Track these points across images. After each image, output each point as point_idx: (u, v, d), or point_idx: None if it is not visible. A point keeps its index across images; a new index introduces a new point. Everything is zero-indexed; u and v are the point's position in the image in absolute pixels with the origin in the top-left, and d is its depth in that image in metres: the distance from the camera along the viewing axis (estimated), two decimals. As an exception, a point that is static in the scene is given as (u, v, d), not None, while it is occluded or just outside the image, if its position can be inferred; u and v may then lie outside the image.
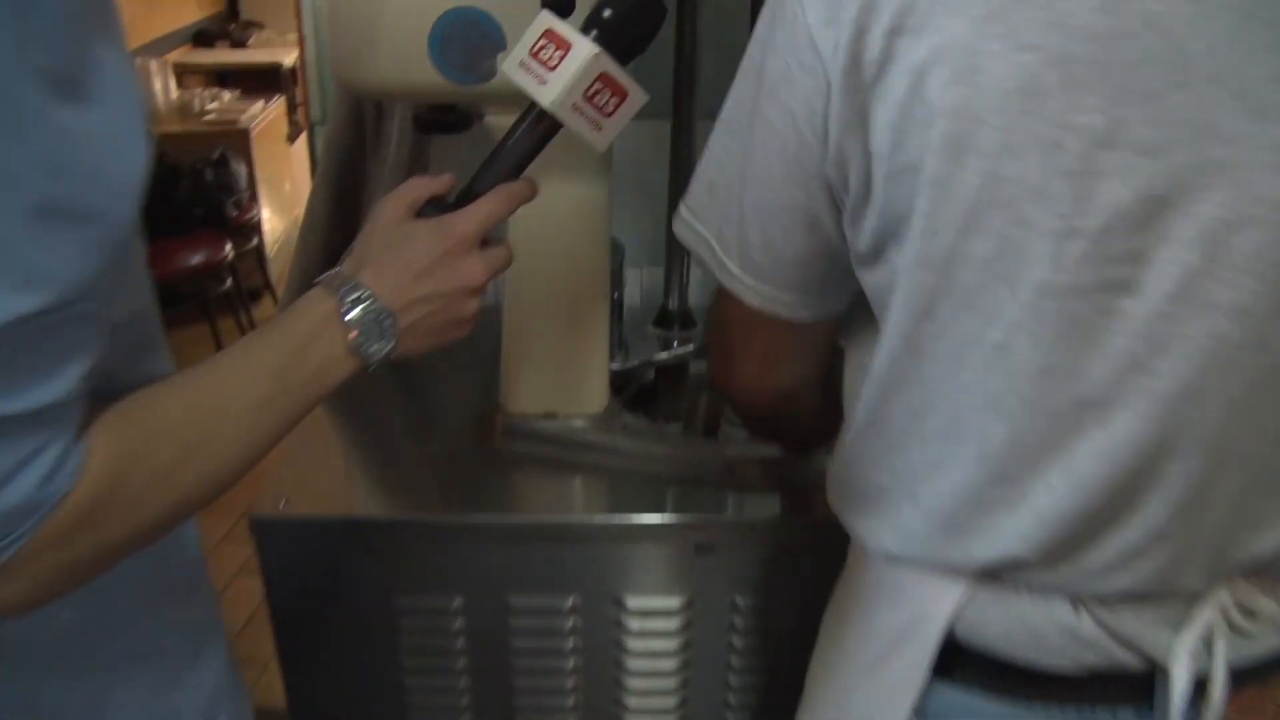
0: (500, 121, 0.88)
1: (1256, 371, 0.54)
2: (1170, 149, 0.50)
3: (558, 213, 0.92)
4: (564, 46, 0.70)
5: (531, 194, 0.74)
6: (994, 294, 0.54)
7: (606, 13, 0.71)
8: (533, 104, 0.73)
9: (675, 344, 1.15)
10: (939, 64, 0.51)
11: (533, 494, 0.96)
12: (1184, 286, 0.52)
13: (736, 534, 0.93)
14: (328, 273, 0.68)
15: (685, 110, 1.09)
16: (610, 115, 0.72)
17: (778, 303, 0.67)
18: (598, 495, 0.96)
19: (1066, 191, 0.51)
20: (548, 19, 0.72)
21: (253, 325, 3.33)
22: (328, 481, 0.98)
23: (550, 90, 0.70)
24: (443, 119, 0.93)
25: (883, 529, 0.66)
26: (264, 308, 3.54)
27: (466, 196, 0.73)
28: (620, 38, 0.71)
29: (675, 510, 0.93)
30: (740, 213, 0.65)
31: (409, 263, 0.67)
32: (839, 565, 0.78)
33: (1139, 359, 0.53)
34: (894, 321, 0.59)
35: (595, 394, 1.01)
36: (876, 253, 0.60)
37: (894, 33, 0.52)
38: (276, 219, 3.72)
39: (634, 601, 0.95)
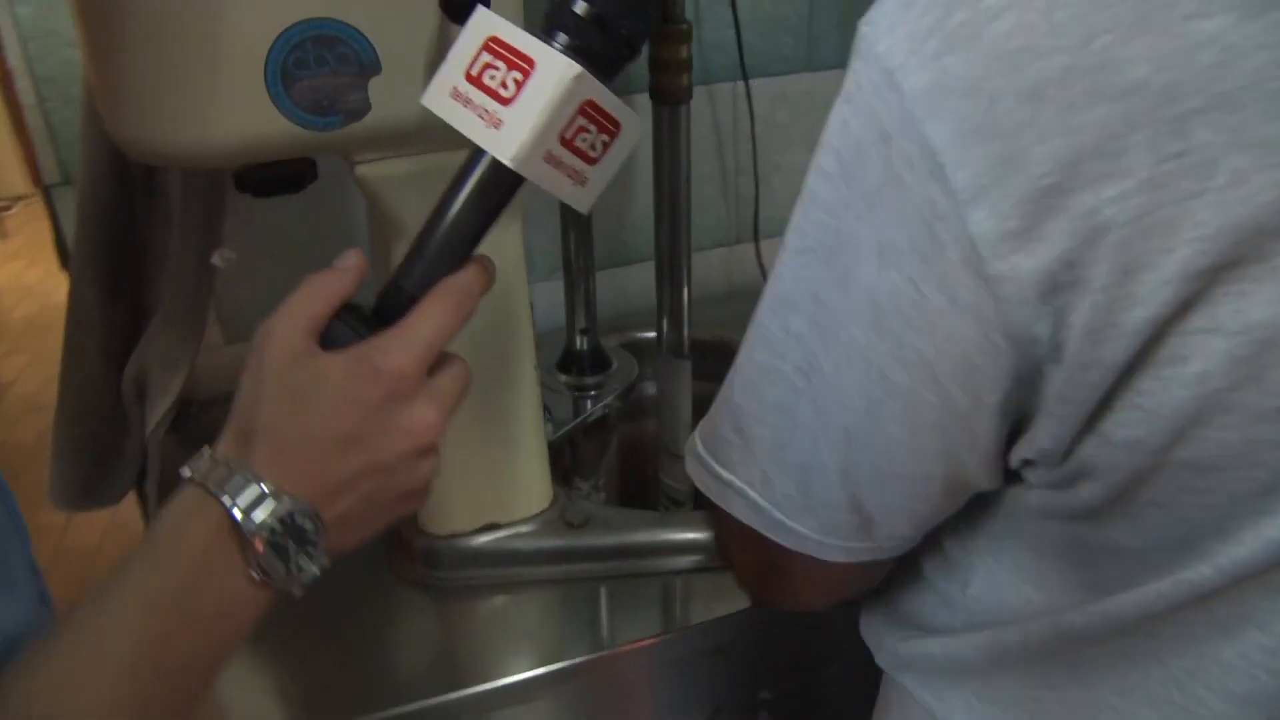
0: (376, 172, 0.64)
1: None
2: None
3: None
4: (522, 64, 0.46)
5: (488, 285, 0.51)
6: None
7: (579, 6, 0.47)
8: (477, 153, 0.49)
9: (594, 393, 0.95)
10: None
11: (500, 637, 0.74)
12: None
13: (761, 622, 0.75)
14: (199, 456, 0.45)
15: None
16: (596, 161, 0.49)
17: (864, 553, 0.47)
18: (586, 614, 0.75)
19: None
20: (490, 22, 0.48)
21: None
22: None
23: (508, 136, 0.46)
24: (278, 175, 0.67)
25: None
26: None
27: (393, 302, 0.50)
28: (604, 44, 0.47)
29: (681, 611, 0.74)
30: (808, 463, 0.44)
31: (326, 427, 0.45)
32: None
33: None
34: (1127, 593, 0.41)
35: (538, 491, 0.79)
36: (1094, 522, 0.41)
37: (1193, 275, 0.31)
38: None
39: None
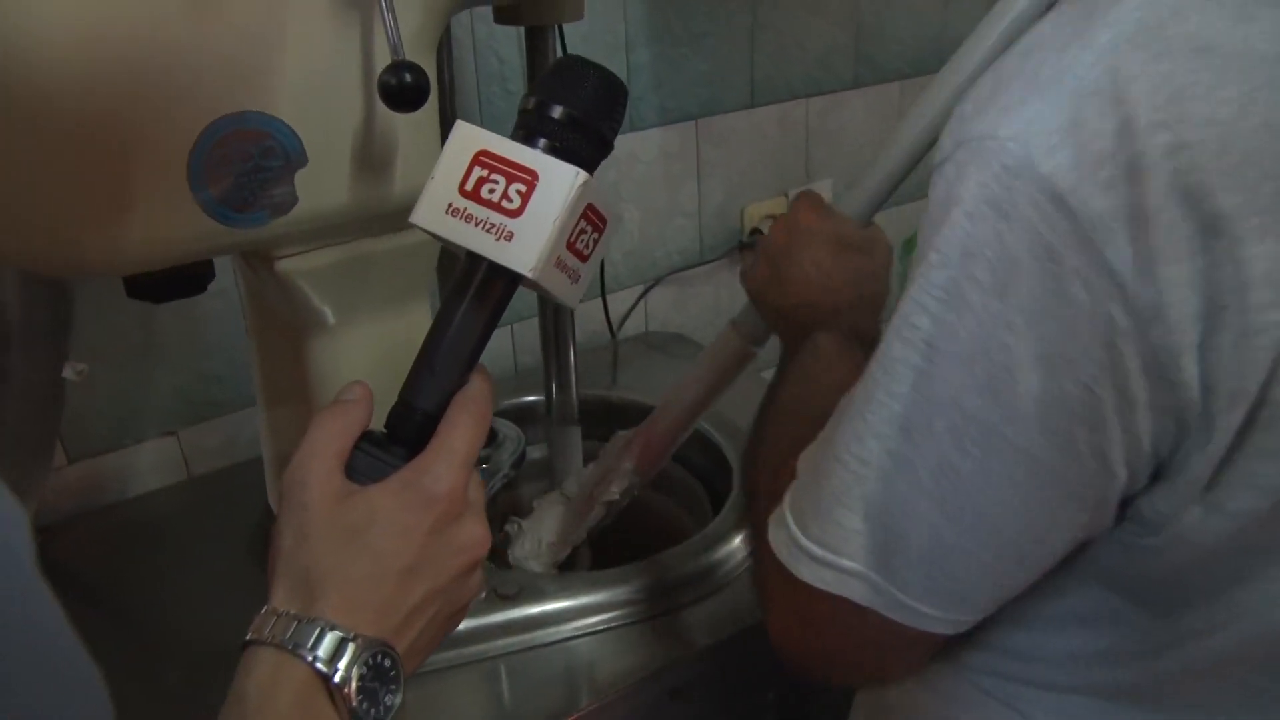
0: (299, 266, 0.62)
1: None
2: None
3: (379, 354, 0.67)
4: (523, 176, 0.47)
5: (492, 391, 0.52)
6: None
7: (557, 110, 0.48)
8: (473, 264, 0.50)
9: (484, 466, 0.94)
10: None
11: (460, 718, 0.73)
12: None
13: (712, 661, 0.78)
14: (262, 616, 0.44)
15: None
16: (588, 259, 0.50)
17: (964, 624, 0.49)
18: (538, 686, 0.75)
19: None
20: (475, 136, 0.48)
21: None
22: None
23: (525, 247, 0.47)
24: (182, 276, 0.64)
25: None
26: None
27: (410, 423, 0.50)
28: (584, 145, 0.49)
29: (633, 662, 0.76)
30: (938, 548, 0.45)
31: (389, 562, 0.45)
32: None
33: None
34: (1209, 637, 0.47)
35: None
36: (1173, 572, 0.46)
37: None
38: None
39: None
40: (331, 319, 0.64)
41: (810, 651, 0.53)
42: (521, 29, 0.78)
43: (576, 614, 0.78)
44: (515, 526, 0.89)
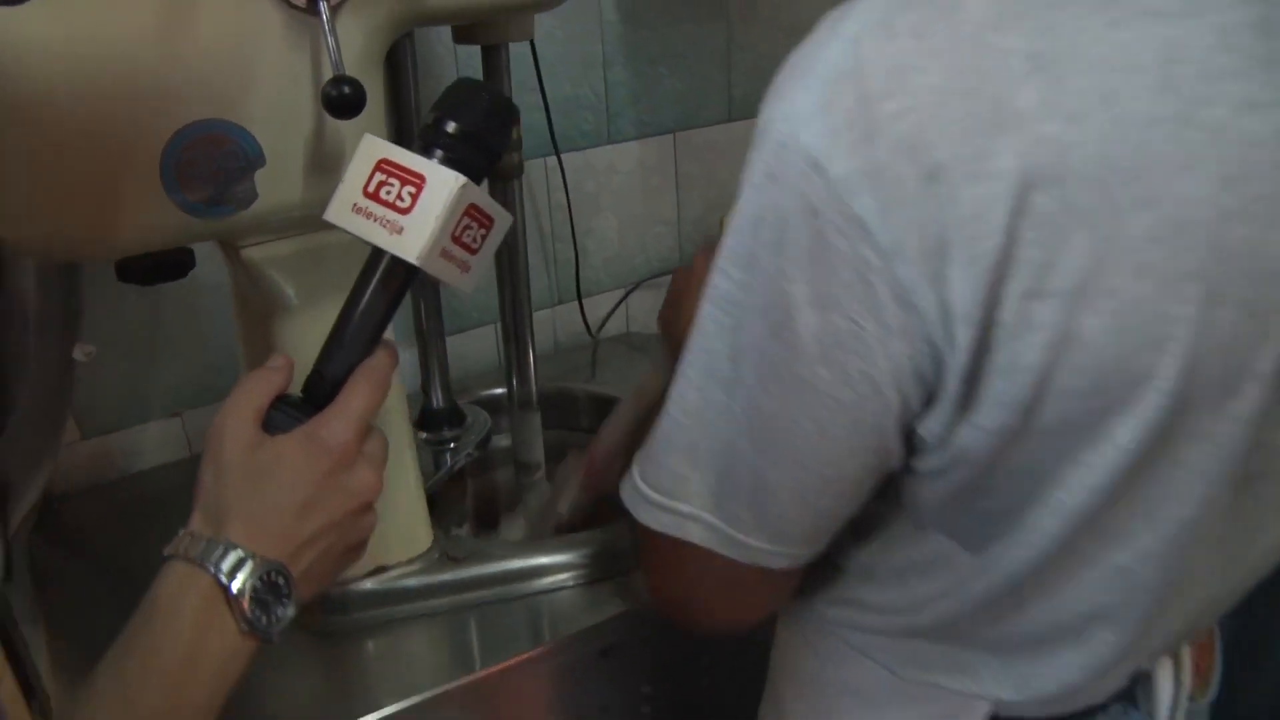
0: (261, 254, 0.71)
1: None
2: None
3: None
4: (414, 180, 0.57)
5: (395, 364, 0.62)
6: (1130, 528, 0.50)
7: (450, 126, 0.58)
8: (376, 255, 0.59)
9: (452, 445, 1.03)
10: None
11: (400, 667, 0.81)
12: (1269, 464, 0.51)
13: (638, 623, 0.85)
14: (179, 538, 0.54)
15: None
16: (477, 251, 0.60)
17: (808, 555, 0.56)
18: (482, 638, 0.83)
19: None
20: (377, 146, 0.58)
21: None
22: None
23: (412, 239, 0.56)
24: (165, 262, 0.73)
25: (930, 669, 0.62)
26: None
27: (320, 387, 0.59)
28: (474, 155, 0.58)
29: (566, 621, 0.83)
30: (759, 485, 0.51)
31: (287, 497, 0.55)
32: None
33: (1224, 538, 0.54)
34: (1004, 554, 0.53)
35: (420, 532, 0.86)
36: (965, 498, 0.52)
37: (1033, 296, 0.43)
38: None
39: (550, 740, 0.84)
40: (294, 300, 0.73)
41: (673, 599, 0.61)
42: (479, 48, 0.87)
43: (518, 576, 0.86)
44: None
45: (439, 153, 0.57)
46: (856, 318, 0.44)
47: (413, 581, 0.84)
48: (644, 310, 1.42)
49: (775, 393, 0.48)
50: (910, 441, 0.50)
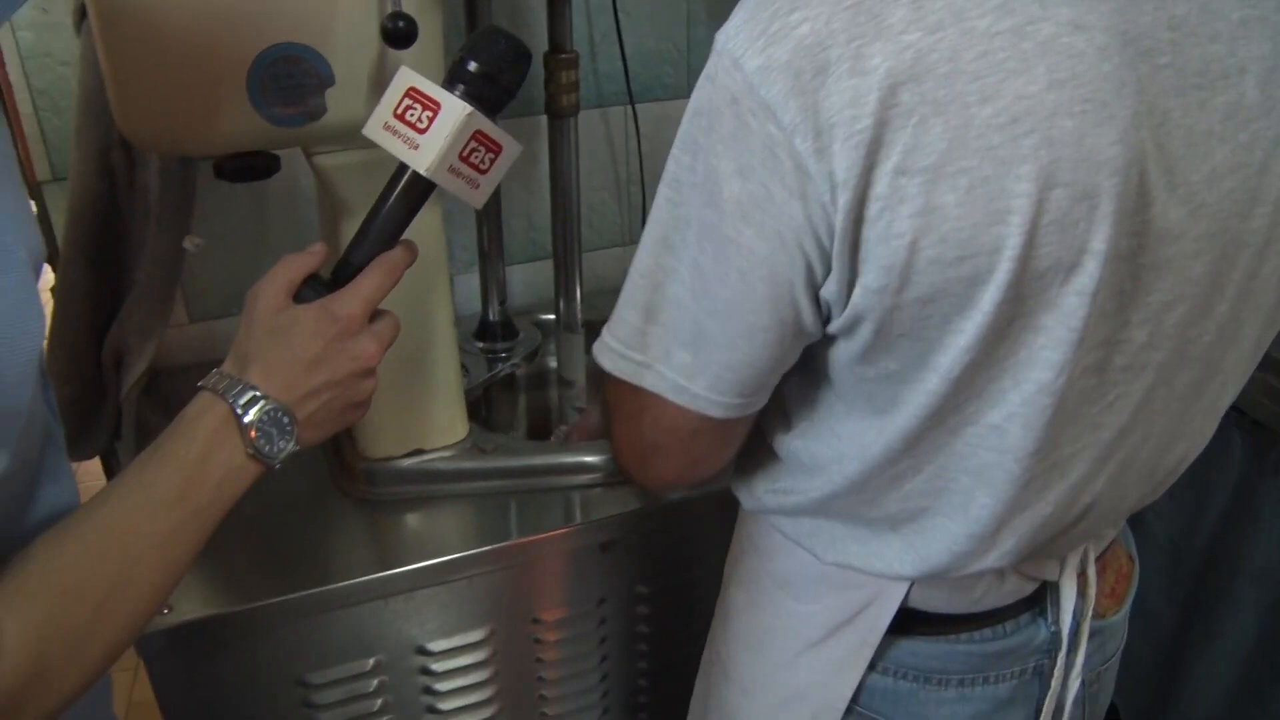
0: (330, 162, 0.83)
1: (1165, 406, 0.64)
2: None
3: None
4: (432, 106, 0.67)
5: (412, 259, 0.72)
6: (1000, 387, 0.59)
7: (472, 65, 0.68)
8: (402, 167, 0.69)
9: (504, 355, 1.14)
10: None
11: (427, 535, 0.93)
12: (1133, 358, 0.60)
13: (635, 524, 0.95)
14: (211, 375, 0.64)
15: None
16: (486, 172, 0.70)
17: (741, 408, 0.64)
18: (497, 520, 0.94)
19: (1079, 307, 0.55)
20: (409, 77, 0.68)
21: None
22: (203, 575, 0.89)
23: (424, 155, 0.67)
24: (251, 164, 0.86)
25: (845, 549, 0.70)
26: None
27: (344, 271, 0.70)
28: (489, 91, 0.68)
29: (573, 514, 0.94)
30: (699, 333, 0.61)
31: (298, 353, 0.64)
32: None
33: (1097, 420, 0.62)
34: (901, 412, 0.61)
35: (456, 424, 0.98)
36: (869, 357, 0.60)
37: (901, 173, 0.52)
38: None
39: (550, 614, 0.95)
40: (355, 205, 0.85)
41: (634, 449, 0.70)
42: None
43: (536, 471, 0.97)
44: None
45: (460, 87, 0.67)
46: (767, 183, 0.54)
47: (442, 465, 0.96)
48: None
49: (710, 251, 0.57)
50: (819, 309, 0.59)
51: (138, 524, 0.57)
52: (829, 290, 0.57)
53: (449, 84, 0.68)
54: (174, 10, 0.71)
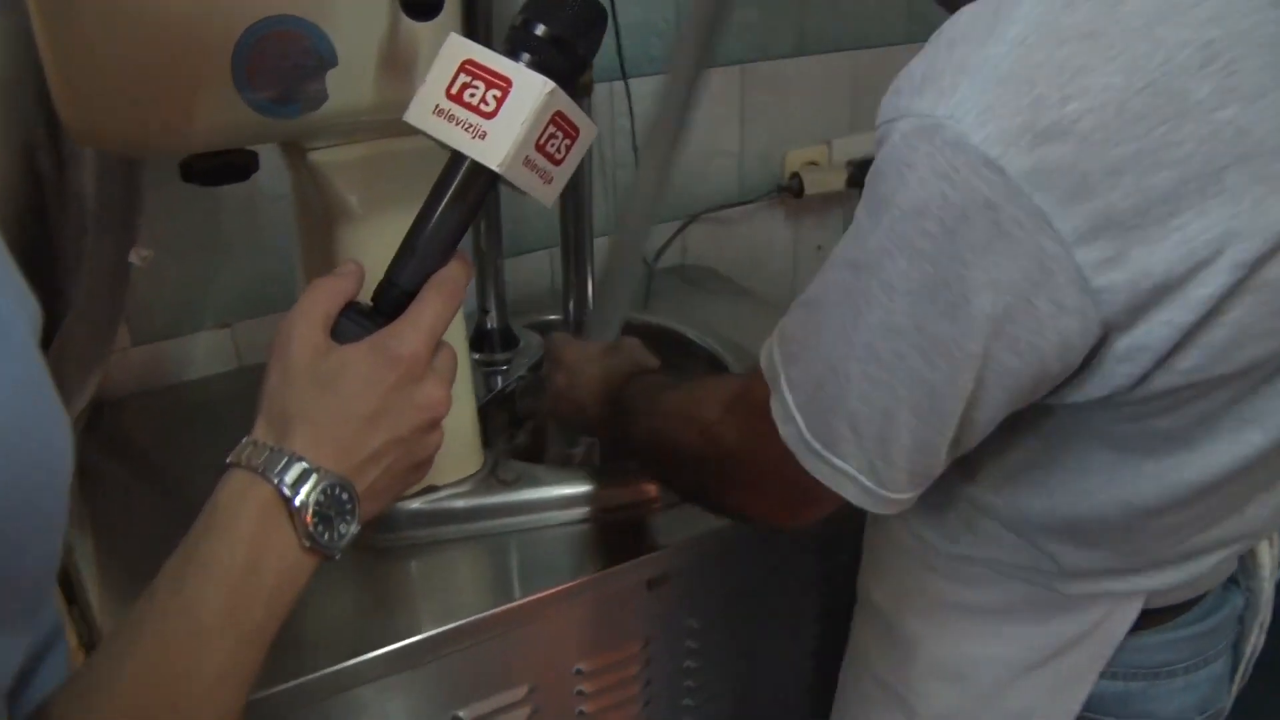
0: (328, 158, 0.70)
1: None
2: None
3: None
4: (499, 83, 0.53)
5: (470, 276, 0.58)
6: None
7: (540, 29, 0.54)
8: (456, 161, 0.55)
9: (504, 368, 1.02)
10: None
11: (450, 587, 0.80)
12: None
13: (688, 557, 0.84)
14: (242, 445, 0.51)
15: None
16: (561, 162, 0.56)
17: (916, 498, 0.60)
18: (529, 563, 0.82)
19: None
20: (463, 47, 0.54)
21: None
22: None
23: (495, 145, 0.53)
24: (229, 164, 0.72)
25: (1095, 580, 0.65)
26: None
27: (391, 296, 0.56)
28: (564, 61, 0.55)
29: (613, 551, 0.82)
30: (916, 444, 0.55)
31: (353, 408, 0.51)
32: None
33: None
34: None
35: (471, 454, 0.86)
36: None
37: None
38: None
39: (593, 663, 0.84)
40: (357, 209, 0.72)
41: (771, 511, 0.65)
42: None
43: (566, 503, 0.85)
44: None
45: (526, 56, 0.54)
46: (1032, 298, 0.48)
47: (461, 503, 0.83)
48: (700, 242, 1.39)
49: (942, 366, 0.51)
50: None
51: (183, 662, 0.45)
52: (1103, 388, 0.52)
53: (511, 53, 0.54)
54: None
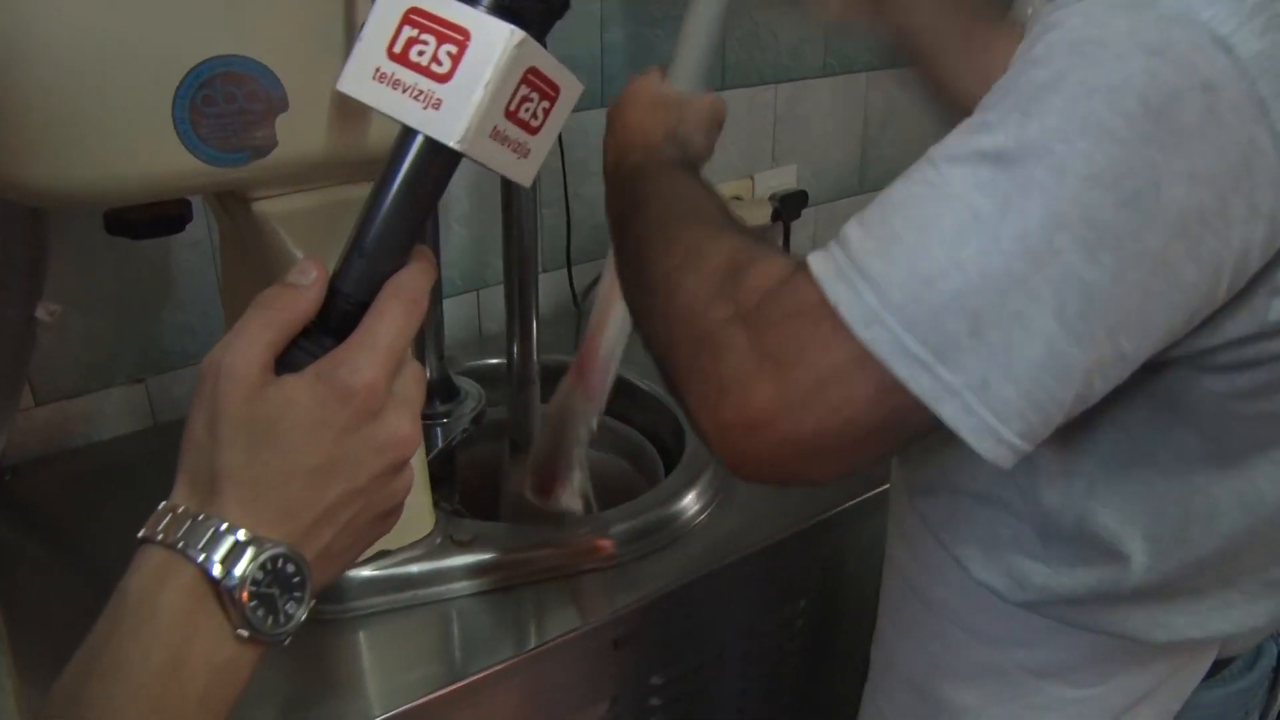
0: (275, 208, 0.65)
1: None
2: None
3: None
4: (455, 35, 0.42)
5: (434, 278, 0.46)
6: None
7: None
8: (405, 138, 0.44)
9: (444, 421, 0.97)
10: None
11: (405, 661, 0.75)
12: None
13: (651, 612, 0.81)
14: (156, 512, 0.40)
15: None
16: (538, 130, 0.46)
17: (1019, 452, 0.49)
18: (490, 628, 0.78)
19: None
20: None
21: None
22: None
23: (453, 116, 0.42)
24: (164, 215, 0.66)
25: (1172, 625, 0.60)
26: None
27: (339, 308, 0.44)
28: (534, 5, 0.43)
29: (579, 610, 0.79)
30: (1049, 361, 0.46)
31: (298, 459, 0.41)
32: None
33: None
34: None
35: (423, 515, 0.81)
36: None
37: None
38: None
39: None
40: (304, 262, 0.67)
41: (804, 445, 0.50)
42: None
43: (527, 563, 0.81)
44: None
45: (485, 1, 0.43)
46: (1228, 196, 0.44)
47: (415, 568, 0.79)
48: (628, 283, 1.36)
49: (1106, 263, 0.44)
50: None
51: None
52: (1231, 323, 0.49)
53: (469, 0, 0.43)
54: (65, 9, 0.52)
